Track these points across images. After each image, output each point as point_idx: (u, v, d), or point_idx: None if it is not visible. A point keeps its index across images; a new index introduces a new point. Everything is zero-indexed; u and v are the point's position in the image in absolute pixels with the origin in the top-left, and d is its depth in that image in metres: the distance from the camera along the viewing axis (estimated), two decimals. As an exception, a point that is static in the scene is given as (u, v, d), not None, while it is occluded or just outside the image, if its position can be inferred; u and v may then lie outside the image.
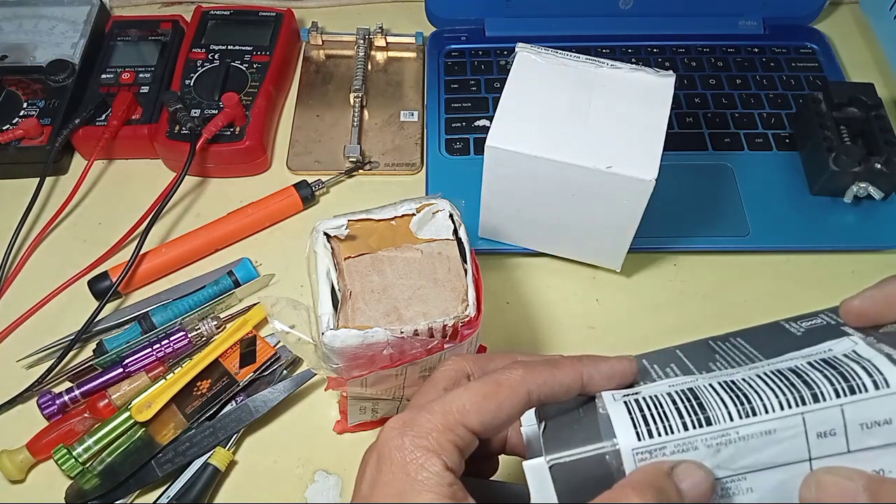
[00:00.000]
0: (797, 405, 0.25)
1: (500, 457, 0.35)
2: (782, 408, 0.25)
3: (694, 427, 0.25)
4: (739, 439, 0.25)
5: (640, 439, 0.25)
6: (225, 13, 0.66)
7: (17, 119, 0.60)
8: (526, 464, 0.27)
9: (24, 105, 0.61)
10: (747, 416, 0.25)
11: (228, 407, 0.48)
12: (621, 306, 0.54)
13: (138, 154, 0.62)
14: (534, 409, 0.30)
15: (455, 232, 0.40)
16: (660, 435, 0.25)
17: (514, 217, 0.52)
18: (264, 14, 0.66)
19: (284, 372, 0.50)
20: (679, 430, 0.25)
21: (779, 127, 0.62)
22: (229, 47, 0.64)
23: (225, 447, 0.47)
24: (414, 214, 0.41)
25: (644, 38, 0.68)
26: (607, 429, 0.26)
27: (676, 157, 0.58)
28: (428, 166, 0.60)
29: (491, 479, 0.35)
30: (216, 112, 0.59)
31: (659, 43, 0.67)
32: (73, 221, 0.59)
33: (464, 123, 0.62)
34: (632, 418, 0.26)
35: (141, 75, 0.63)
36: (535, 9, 0.67)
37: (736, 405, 0.25)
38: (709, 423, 0.25)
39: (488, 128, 0.47)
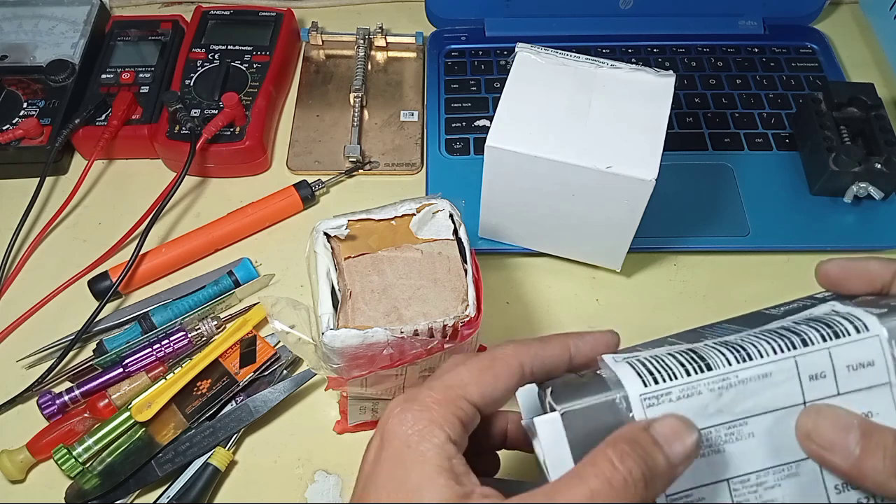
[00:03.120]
0: (789, 350, 0.27)
1: (500, 455, 0.35)
2: (776, 352, 0.27)
3: (696, 372, 0.27)
4: (739, 383, 0.26)
5: (646, 385, 0.27)
6: (225, 13, 0.66)
7: (17, 119, 0.60)
8: (537, 419, 0.27)
9: (24, 105, 0.61)
10: (744, 360, 0.27)
11: (228, 407, 0.48)
12: (621, 306, 0.54)
13: (138, 154, 0.62)
14: (536, 397, 0.31)
15: (455, 232, 0.40)
16: (665, 381, 0.27)
17: (514, 217, 0.52)
18: (264, 14, 0.66)
19: (284, 372, 0.50)
20: (682, 376, 0.27)
21: (779, 127, 0.62)
22: (229, 47, 0.64)
23: (225, 447, 0.47)
24: (414, 214, 0.41)
25: (644, 38, 0.68)
26: (615, 383, 0.27)
27: (676, 157, 0.58)
28: (428, 166, 0.60)
29: (495, 477, 0.35)
30: (216, 112, 0.59)
31: (659, 43, 0.67)
32: (73, 221, 0.59)
33: (464, 123, 0.62)
34: (636, 371, 0.27)
35: (141, 75, 0.63)
36: (535, 9, 0.67)
37: (733, 353, 0.27)
38: (709, 369, 0.27)
39: (488, 128, 0.47)
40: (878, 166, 0.54)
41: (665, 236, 0.56)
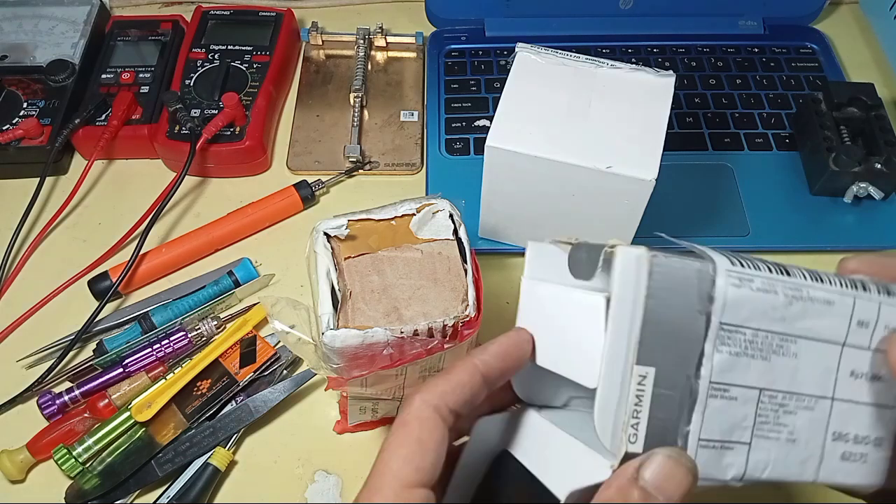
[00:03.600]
0: (852, 288, 0.28)
1: None
2: (842, 286, 0.28)
3: (777, 273, 0.27)
4: (808, 299, 0.27)
5: (733, 264, 0.27)
6: (225, 13, 0.66)
7: (17, 119, 0.60)
8: (622, 247, 0.24)
9: (24, 105, 0.61)
10: (816, 280, 0.27)
11: (228, 407, 0.48)
12: (621, 306, 0.54)
13: (138, 154, 0.62)
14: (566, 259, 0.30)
15: (455, 232, 0.40)
16: (751, 268, 0.27)
17: (514, 217, 0.52)
18: (264, 14, 0.66)
19: (284, 372, 0.50)
20: (765, 271, 0.27)
21: (779, 127, 0.62)
22: (229, 47, 0.64)
23: (225, 447, 0.47)
24: (414, 214, 0.40)
25: (644, 38, 0.68)
26: (704, 255, 0.27)
27: (676, 157, 0.58)
28: (428, 166, 0.60)
29: None
30: (216, 112, 0.59)
31: (659, 43, 0.67)
32: (73, 221, 0.59)
33: (464, 123, 0.62)
34: (724, 255, 0.27)
35: (141, 75, 0.63)
36: (535, 9, 0.67)
37: (809, 272, 0.28)
38: (788, 274, 0.27)
39: (488, 128, 0.47)
40: (878, 166, 0.54)
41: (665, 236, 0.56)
